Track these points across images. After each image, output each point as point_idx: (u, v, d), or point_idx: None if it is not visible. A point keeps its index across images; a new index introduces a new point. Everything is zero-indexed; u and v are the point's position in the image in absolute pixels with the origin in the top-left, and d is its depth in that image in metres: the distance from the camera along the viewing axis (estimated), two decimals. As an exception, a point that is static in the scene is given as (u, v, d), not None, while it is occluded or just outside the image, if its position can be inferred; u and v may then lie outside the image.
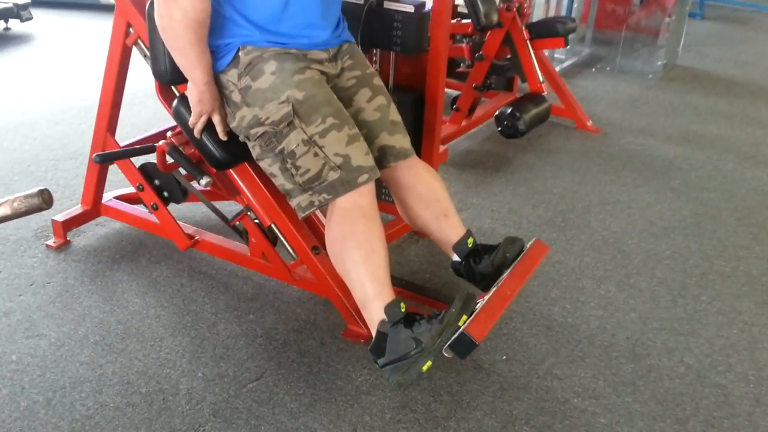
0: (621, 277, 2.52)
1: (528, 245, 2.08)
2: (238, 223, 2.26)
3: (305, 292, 2.32)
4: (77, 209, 2.62)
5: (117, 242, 2.60)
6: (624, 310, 2.34)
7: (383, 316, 1.78)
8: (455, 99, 3.47)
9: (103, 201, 2.64)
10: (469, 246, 2.05)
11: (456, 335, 1.73)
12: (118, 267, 2.45)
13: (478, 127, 3.71)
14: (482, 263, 2.05)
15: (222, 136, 1.96)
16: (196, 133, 1.98)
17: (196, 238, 2.43)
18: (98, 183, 2.57)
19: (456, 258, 2.06)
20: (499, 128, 3.13)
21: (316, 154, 1.82)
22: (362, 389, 1.96)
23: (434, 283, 2.44)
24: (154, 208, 2.39)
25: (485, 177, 3.26)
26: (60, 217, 2.55)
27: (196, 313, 2.24)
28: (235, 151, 1.99)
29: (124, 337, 2.12)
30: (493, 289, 1.88)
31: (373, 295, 1.81)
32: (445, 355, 1.74)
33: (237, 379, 1.98)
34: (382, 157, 2.00)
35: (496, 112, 3.16)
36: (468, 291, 1.84)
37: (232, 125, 1.94)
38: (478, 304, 1.82)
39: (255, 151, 1.91)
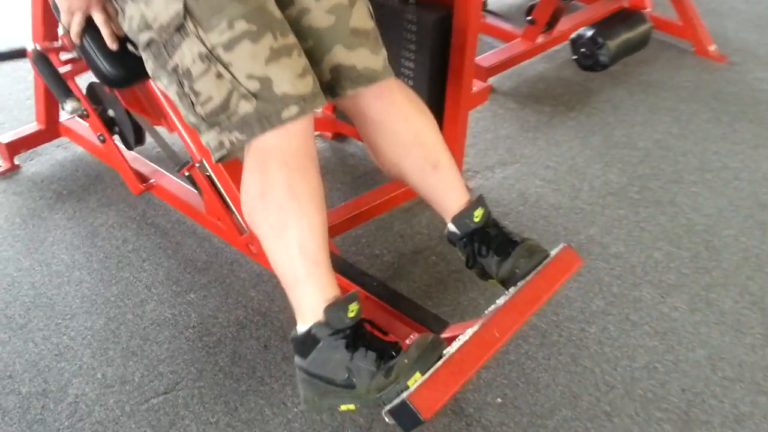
0: (699, 288, 1.84)
1: (553, 253, 1.46)
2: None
3: (267, 269, 1.82)
4: (30, 128, 2.19)
5: (71, 173, 2.17)
6: (690, 342, 1.68)
7: (318, 307, 1.26)
8: (531, 8, 2.70)
9: (63, 119, 2.20)
10: (476, 221, 1.46)
11: (398, 401, 1.20)
12: (61, 207, 2.03)
13: (559, 46, 2.92)
14: (488, 258, 1.46)
15: (110, 44, 1.43)
16: (74, 37, 1.45)
17: (152, 181, 1.96)
18: (49, 97, 2.11)
19: (453, 229, 1.49)
20: (575, 56, 2.38)
21: (219, 75, 1.24)
22: (294, 426, 1.48)
23: (437, 275, 1.86)
24: (101, 140, 1.92)
25: (552, 117, 2.54)
26: (5, 138, 2.14)
27: (126, 284, 1.80)
28: (132, 64, 1.43)
29: (30, 309, 1.72)
30: (474, 329, 1.30)
31: (303, 275, 1.28)
32: (385, 419, 1.22)
33: (141, 388, 1.54)
34: (335, 82, 1.41)
35: (572, 35, 2.39)
36: (433, 336, 1.27)
37: (125, 28, 1.40)
38: (450, 348, 1.26)
39: (148, 66, 1.36)
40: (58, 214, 2.01)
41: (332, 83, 1.41)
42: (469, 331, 1.30)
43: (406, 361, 1.23)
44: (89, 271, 1.83)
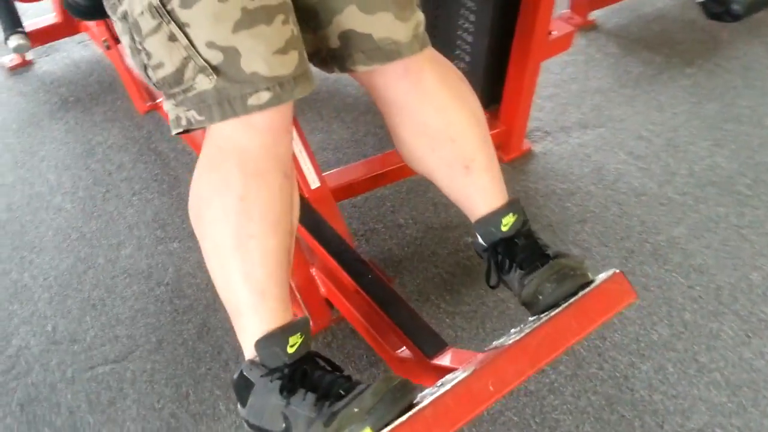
0: (800, 332, 1.42)
1: (597, 281, 1.10)
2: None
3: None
4: (47, 19, 1.95)
5: (84, 77, 1.93)
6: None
7: (253, 347, 0.99)
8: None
9: (86, 13, 1.95)
10: (503, 229, 1.12)
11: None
12: (63, 116, 1.81)
13: (692, -21, 2.36)
14: (511, 273, 1.13)
15: None
16: None
17: (160, 100, 1.70)
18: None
19: (479, 239, 1.16)
20: (700, 0, 1.86)
21: (172, 38, 0.93)
22: None
23: (465, 262, 1.52)
24: (106, 47, 1.66)
25: (661, 70, 2.05)
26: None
27: (108, 220, 1.57)
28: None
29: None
30: (463, 376, 0.98)
31: (245, 307, 1.00)
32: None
33: (90, 351, 1.33)
34: (344, 52, 1.06)
35: (702, -29, 1.87)
36: (400, 381, 0.96)
37: None
38: (424, 400, 0.95)
39: (106, 6, 1.06)
40: (57, 125, 1.79)
41: (341, 53, 1.06)
42: (456, 377, 0.99)
43: (355, 409, 0.93)
44: (72, 199, 1.61)
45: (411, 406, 0.93)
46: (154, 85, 1.00)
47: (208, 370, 1.31)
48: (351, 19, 1.02)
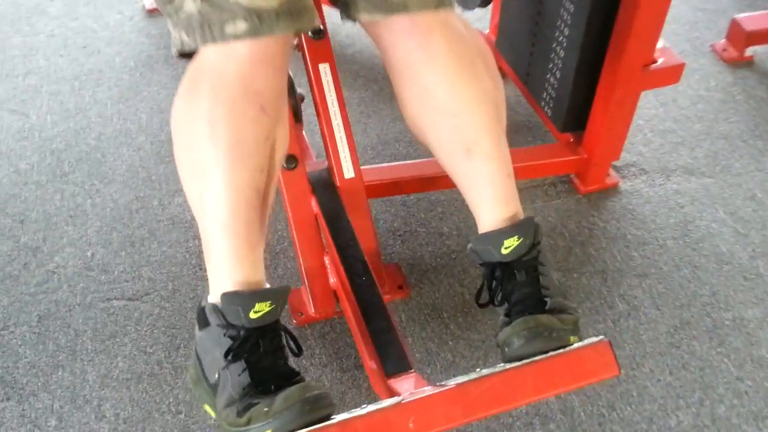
0: None
1: (575, 345, 0.98)
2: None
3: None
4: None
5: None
6: None
7: (221, 285, 0.98)
8: None
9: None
10: (503, 252, 1.02)
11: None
12: (175, 63, 1.92)
13: None
14: (500, 307, 1.06)
15: None
16: None
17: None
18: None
19: (476, 254, 1.07)
20: None
21: None
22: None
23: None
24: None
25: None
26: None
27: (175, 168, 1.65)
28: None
29: (81, 161, 1.67)
30: (395, 402, 0.92)
31: (211, 237, 0.99)
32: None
33: (113, 284, 1.42)
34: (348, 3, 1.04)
35: None
36: (317, 395, 0.91)
37: None
38: (337, 416, 0.91)
39: None
40: (167, 70, 1.90)
41: (346, 2, 1.03)
42: (385, 404, 0.93)
43: (265, 409, 0.91)
44: (153, 141, 1.71)
45: (324, 419, 0.90)
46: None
47: (206, 330, 1.35)
48: None
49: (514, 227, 1.03)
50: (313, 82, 1.31)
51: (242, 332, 0.96)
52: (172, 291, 1.41)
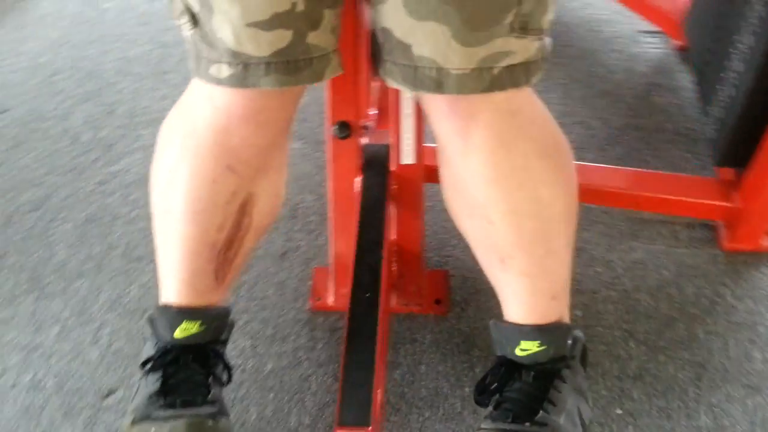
0: None
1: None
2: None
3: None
4: None
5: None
6: None
7: (163, 294, 0.91)
8: None
9: None
10: (518, 354, 0.84)
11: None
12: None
13: None
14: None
15: None
16: None
17: None
18: None
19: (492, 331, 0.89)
20: None
21: None
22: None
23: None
24: None
25: None
26: None
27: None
28: None
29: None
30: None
31: (160, 265, 0.91)
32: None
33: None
34: (381, 53, 0.77)
35: None
36: (211, 425, 0.77)
37: None
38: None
39: None
40: None
41: (379, 51, 0.78)
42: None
43: (153, 429, 0.80)
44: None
45: None
46: None
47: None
48: (392, 15, 0.72)
49: (538, 329, 0.82)
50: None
51: (167, 346, 0.85)
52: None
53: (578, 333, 0.87)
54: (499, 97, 0.75)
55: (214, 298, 0.90)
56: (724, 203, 1.18)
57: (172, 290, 0.88)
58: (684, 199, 1.21)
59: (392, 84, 0.77)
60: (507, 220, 0.80)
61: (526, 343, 0.82)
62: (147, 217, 1.29)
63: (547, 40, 0.76)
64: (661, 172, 1.27)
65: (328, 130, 1.11)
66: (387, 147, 1.14)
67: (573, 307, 1.16)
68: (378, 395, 0.96)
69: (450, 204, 0.89)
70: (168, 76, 1.55)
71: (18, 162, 1.47)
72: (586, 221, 1.29)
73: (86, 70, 1.65)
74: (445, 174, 0.87)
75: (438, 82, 0.73)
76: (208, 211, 0.84)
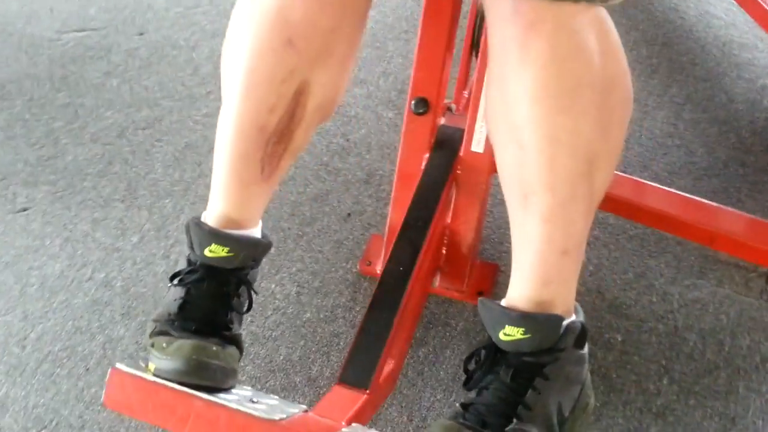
0: None
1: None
2: None
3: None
4: None
5: None
6: None
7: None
8: None
9: None
10: (501, 338, 0.82)
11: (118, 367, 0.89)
12: None
13: None
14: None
15: None
16: None
17: None
18: None
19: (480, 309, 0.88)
20: None
21: None
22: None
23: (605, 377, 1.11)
24: None
25: None
26: None
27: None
28: None
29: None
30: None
31: (213, 172, 0.94)
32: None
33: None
34: None
35: None
36: (203, 350, 0.84)
37: None
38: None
39: None
40: None
41: None
42: (255, 406, 0.83)
43: (164, 345, 0.87)
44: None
45: (203, 388, 0.84)
46: None
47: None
48: None
49: (525, 317, 0.80)
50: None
51: (196, 263, 0.91)
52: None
53: (573, 321, 0.83)
54: (567, 9, 0.73)
55: (257, 199, 0.93)
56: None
57: (219, 183, 0.91)
58: (763, 247, 1.13)
59: None
60: (540, 146, 0.77)
61: (510, 329, 0.80)
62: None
63: None
64: (747, 215, 1.19)
65: (408, 104, 1.14)
66: (462, 131, 1.16)
67: (614, 330, 1.15)
68: (388, 364, 1.00)
69: (491, 133, 0.86)
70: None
71: (143, 82, 1.61)
72: (656, 249, 1.24)
73: (222, 8, 1.76)
74: (492, 95, 0.84)
75: None
76: (263, 86, 0.86)
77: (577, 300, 0.86)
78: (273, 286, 1.24)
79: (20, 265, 1.29)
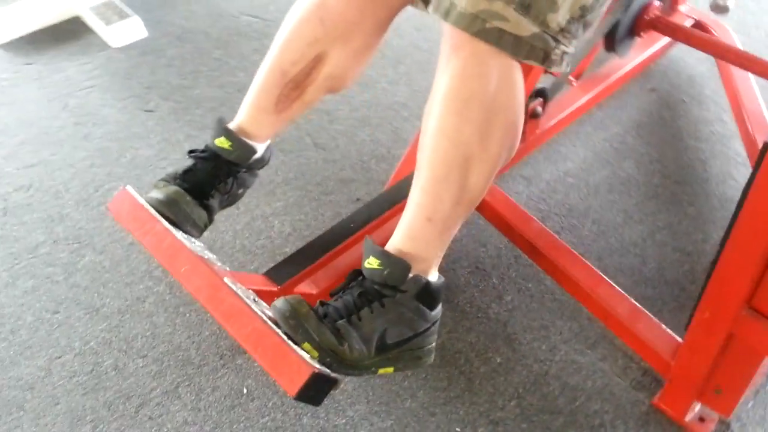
0: None
1: (300, 351, 1.02)
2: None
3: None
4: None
5: None
6: None
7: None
8: None
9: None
10: (364, 265, 1.06)
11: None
12: None
13: None
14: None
15: None
16: None
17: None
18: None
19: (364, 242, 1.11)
20: None
21: None
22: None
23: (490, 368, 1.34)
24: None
25: None
26: None
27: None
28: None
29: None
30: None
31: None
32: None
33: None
34: None
35: None
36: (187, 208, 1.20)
37: None
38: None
39: None
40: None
41: None
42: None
43: (162, 184, 1.23)
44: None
45: (176, 224, 1.19)
46: None
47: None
48: None
49: (385, 254, 1.04)
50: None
51: (208, 147, 1.26)
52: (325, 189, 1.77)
53: (421, 276, 1.03)
54: (480, 45, 0.97)
55: (267, 124, 1.23)
56: (665, 358, 1.27)
57: (245, 102, 1.23)
58: (638, 335, 1.31)
59: (429, 9, 1.06)
60: (432, 133, 1.01)
61: (372, 259, 1.03)
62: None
63: (564, 51, 1.01)
64: (648, 313, 1.35)
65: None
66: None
67: (498, 353, 1.37)
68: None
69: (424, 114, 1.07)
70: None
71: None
72: (569, 315, 1.44)
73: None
74: (431, 93, 1.06)
75: (447, 11, 1.00)
76: (294, 42, 1.17)
77: (482, 321, 1.10)
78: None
79: (126, 143, 1.77)
